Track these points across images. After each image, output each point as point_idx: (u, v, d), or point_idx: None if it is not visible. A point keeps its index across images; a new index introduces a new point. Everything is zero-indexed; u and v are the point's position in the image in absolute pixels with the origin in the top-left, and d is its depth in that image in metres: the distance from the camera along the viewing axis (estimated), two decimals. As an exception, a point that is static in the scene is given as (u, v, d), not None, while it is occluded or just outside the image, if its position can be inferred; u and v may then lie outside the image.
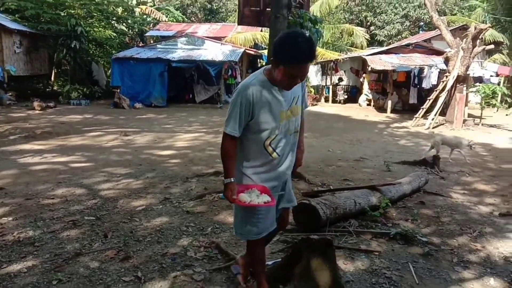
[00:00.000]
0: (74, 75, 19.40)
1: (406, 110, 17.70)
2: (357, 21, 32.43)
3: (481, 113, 14.77)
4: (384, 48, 20.74)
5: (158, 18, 25.66)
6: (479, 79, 16.89)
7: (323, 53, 21.15)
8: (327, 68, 22.04)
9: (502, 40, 21.36)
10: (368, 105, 20.10)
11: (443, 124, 14.04)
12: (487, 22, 22.07)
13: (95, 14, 20.95)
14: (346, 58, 20.51)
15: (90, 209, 4.69)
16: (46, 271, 3.13)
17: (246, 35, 21.28)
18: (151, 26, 26.67)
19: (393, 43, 26.77)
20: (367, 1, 31.35)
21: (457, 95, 13.45)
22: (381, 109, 18.54)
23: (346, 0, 31.09)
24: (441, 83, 14.18)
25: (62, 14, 19.18)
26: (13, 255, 3.42)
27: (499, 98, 18.63)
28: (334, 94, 21.71)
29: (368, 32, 28.22)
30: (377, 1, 30.87)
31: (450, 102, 13.83)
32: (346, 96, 21.77)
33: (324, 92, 22.12)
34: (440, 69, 15.59)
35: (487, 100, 15.43)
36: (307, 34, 2.31)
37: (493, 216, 4.92)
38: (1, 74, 16.18)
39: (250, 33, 21.41)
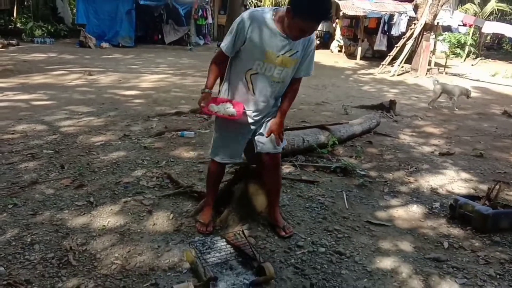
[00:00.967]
0: (38, 11, 18.50)
1: (376, 57, 17.88)
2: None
3: (446, 62, 15.13)
4: (358, -7, 20.45)
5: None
6: (448, 28, 17.12)
7: (297, -4, 20.77)
8: (300, 12, 21.71)
9: (474, -11, 21.40)
10: (339, 51, 20.14)
11: (408, 71, 14.35)
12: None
13: None
14: (319, 2, 20.20)
15: (50, 143, 4.80)
16: (3, 197, 3.30)
17: (218, -26, 20.55)
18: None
19: (368, -12, 26.37)
20: None
21: (424, 43, 13.67)
22: (351, 55, 18.65)
23: None
24: (409, 30, 14.32)
25: None
26: (-31, 184, 3.56)
27: (466, 48, 19.01)
28: (307, 39, 21.56)
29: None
30: None
31: (417, 50, 14.06)
32: (318, 42, 21.63)
33: (297, 37, 21.94)
34: (410, 17, 15.67)
35: (453, 49, 15.71)
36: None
37: (433, 155, 5.33)
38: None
39: (223, -28, 20.68)
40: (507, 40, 24.23)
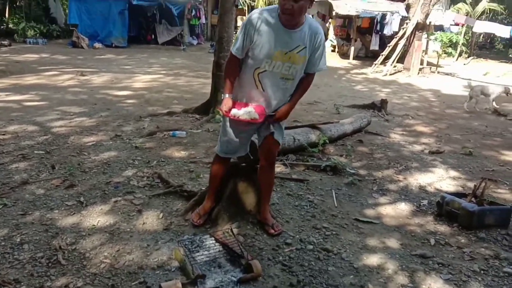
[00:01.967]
0: (30, 12, 18.44)
1: (369, 57, 17.97)
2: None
3: (438, 61, 15.25)
4: (351, -7, 20.53)
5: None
6: (440, 28, 17.24)
7: (290, -4, 20.81)
8: (294, 12, 21.76)
9: (466, -12, 21.56)
10: (332, 51, 20.17)
11: (401, 71, 14.44)
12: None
13: None
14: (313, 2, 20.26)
15: (41, 144, 4.80)
16: (-8, 197, 3.32)
17: (212, -26, 20.55)
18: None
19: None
20: None
21: (415, 43, 13.77)
22: (345, 55, 18.73)
23: None
24: (401, 30, 14.42)
25: None
26: (-40, 184, 3.56)
27: (458, 48, 19.16)
28: (300, 39, 21.61)
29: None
30: None
31: (409, 49, 14.15)
32: (311, 42, 21.73)
33: (290, 37, 21.99)
34: (402, 16, 15.77)
35: (445, 49, 15.83)
36: None
37: (423, 153, 5.38)
38: None
39: (216, -28, 20.69)
40: (499, 39, 24.43)
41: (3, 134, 5.11)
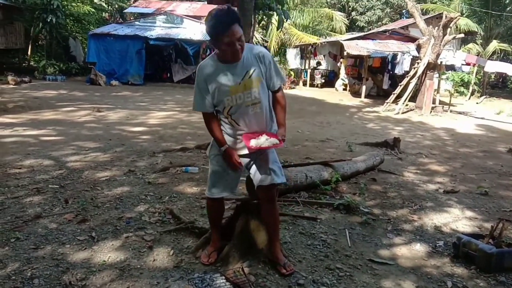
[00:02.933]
0: (51, 50, 19.15)
1: (381, 95, 18.11)
2: (339, 5, 32.56)
3: (450, 100, 15.27)
4: (361, 33, 21.00)
5: (138, -5, 25.35)
6: (451, 67, 17.38)
7: (302, 37, 21.33)
8: (306, 51, 22.24)
9: (476, 30, 21.85)
10: (344, 89, 20.44)
11: (413, 109, 14.46)
12: (464, 12, 22.53)
13: (72, -13, 20.63)
14: (324, 42, 20.73)
15: (55, 178, 4.86)
16: (6, 231, 3.33)
17: (226, 15, 21.20)
18: (131, 2, 26.32)
19: (373, 29, 27.06)
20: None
21: (427, 82, 13.86)
22: (356, 94, 18.91)
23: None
24: (413, 69, 14.56)
25: (38, -14, 18.84)
26: (-25, 217, 3.60)
27: (470, 87, 19.22)
28: (312, 78, 21.96)
29: (349, 17, 28.44)
30: (359, -14, 31.01)
31: (420, 88, 14.24)
32: (323, 80, 22.07)
33: (302, 76, 22.37)
34: (413, 56, 15.97)
35: (456, 88, 15.89)
36: (220, 8, 2.46)
37: (438, 193, 5.29)
38: (-26, 47, 15.91)
39: (231, 13, 21.36)
40: (511, 78, 24.47)
41: (19, 168, 5.19)
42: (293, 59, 22.94)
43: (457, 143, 9.46)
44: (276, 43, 22.37)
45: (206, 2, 25.83)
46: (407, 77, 14.63)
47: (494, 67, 15.40)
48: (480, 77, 21.89)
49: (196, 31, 18.60)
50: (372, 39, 18.95)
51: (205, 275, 2.71)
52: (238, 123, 2.72)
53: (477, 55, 19.76)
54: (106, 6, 24.72)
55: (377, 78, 18.81)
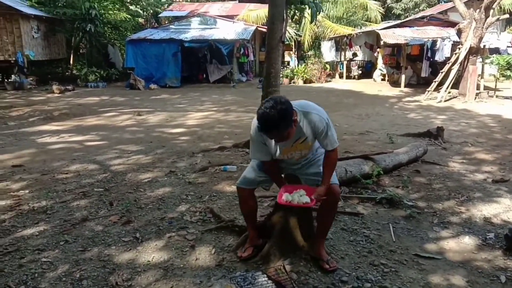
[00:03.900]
0: (91, 58, 19.86)
1: (421, 84, 17.49)
2: (373, -6, 31.71)
3: (495, 85, 14.53)
4: (398, 21, 20.37)
5: (171, -2, 25.83)
6: (496, 50, 16.53)
7: (336, 29, 20.98)
8: (341, 43, 21.86)
9: (522, 9, 20.70)
10: (382, 80, 19.93)
11: (456, 97, 13.90)
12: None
13: (109, -4, 21.28)
14: (359, 33, 20.27)
15: (100, 182, 5.03)
16: (55, 234, 3.49)
17: (258, 12, 21.18)
18: (165, 6, 26.83)
19: (410, 16, 26.20)
20: (384, -26, 30.57)
21: (470, 67, 13.26)
22: (395, 83, 18.38)
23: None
24: (454, 55, 13.98)
25: (77, -3, 19.58)
26: (27, 222, 3.79)
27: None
28: (349, 69, 21.56)
29: (384, 5, 27.66)
30: (394, -27, 30.07)
31: (463, 74, 13.64)
32: (360, 72, 21.62)
33: (338, 68, 22.02)
34: (454, 41, 15.32)
35: (502, 72, 15.09)
36: (269, 106, 2.40)
37: (486, 182, 5.05)
38: (21, 59, 16.74)
39: (263, 10, 21.24)
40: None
41: (66, 173, 5.41)
42: (328, 51, 22.61)
43: (505, 129, 8.98)
44: (310, 36, 22.10)
45: (237, 1, 26.02)
46: (448, 63, 14.05)
47: (543, 47, 14.51)
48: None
49: (229, 31, 18.71)
50: (410, 27, 18.33)
51: (247, 274, 2.72)
52: (283, 170, 2.98)
53: (524, 36, 18.71)
54: (141, 12, 25.36)
55: (417, 66, 18.18)
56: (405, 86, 17.36)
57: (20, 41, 17.06)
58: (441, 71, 14.31)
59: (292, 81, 19.63)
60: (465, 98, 13.37)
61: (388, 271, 2.87)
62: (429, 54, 15.92)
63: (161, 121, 9.98)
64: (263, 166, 2.90)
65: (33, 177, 5.27)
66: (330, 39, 22.02)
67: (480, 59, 14.44)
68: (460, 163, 6.01)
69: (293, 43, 22.23)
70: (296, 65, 21.84)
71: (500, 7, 17.56)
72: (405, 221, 3.78)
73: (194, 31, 18.99)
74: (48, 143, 7.42)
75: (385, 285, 2.69)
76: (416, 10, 29.39)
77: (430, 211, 4.05)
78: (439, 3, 30.26)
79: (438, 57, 15.59)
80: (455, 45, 15.00)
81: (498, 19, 13.93)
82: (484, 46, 14.31)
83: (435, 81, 14.24)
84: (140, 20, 25.88)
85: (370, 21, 23.82)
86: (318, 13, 7.19)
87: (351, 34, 20.09)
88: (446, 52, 15.26)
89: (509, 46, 16.03)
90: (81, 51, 21.74)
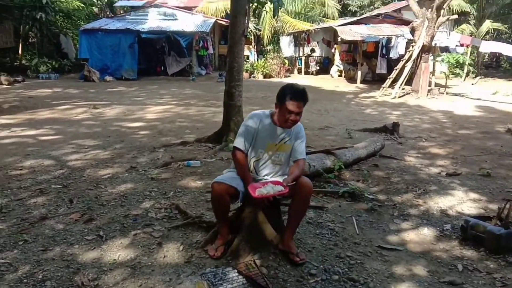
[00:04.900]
0: (42, 48, 18.94)
1: (376, 80, 18.05)
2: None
3: (446, 82, 15.26)
4: (354, 18, 20.87)
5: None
6: (446, 49, 17.34)
7: (295, 24, 21.18)
8: (299, 39, 22.12)
9: (469, 10, 21.78)
10: (339, 76, 20.38)
11: (409, 93, 14.45)
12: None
13: (61, -17, 20.33)
14: (318, 29, 20.59)
15: (57, 178, 4.83)
16: (13, 234, 3.31)
17: (218, 4, 21.01)
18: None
19: (365, 13, 26.89)
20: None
21: (422, 65, 13.83)
22: (352, 79, 18.86)
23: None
24: (408, 53, 14.52)
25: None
26: (-20, 221, 3.57)
27: (465, 68, 19.20)
28: (307, 65, 21.86)
29: (341, 2, 28.19)
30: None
31: (416, 71, 14.21)
32: (318, 67, 21.99)
33: (297, 64, 22.26)
34: (408, 39, 15.90)
35: (451, 70, 15.86)
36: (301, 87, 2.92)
37: (440, 176, 5.31)
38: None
39: (222, 2, 21.09)
40: (505, 58, 24.49)
41: (20, 169, 5.15)
42: (287, 47, 22.79)
43: (456, 125, 9.48)
44: (269, 31, 22.20)
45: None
46: (402, 60, 14.59)
47: (488, 47, 15.38)
48: (474, 58, 21.88)
49: (188, 23, 18.43)
50: (365, 24, 18.85)
51: (217, 270, 2.71)
52: (258, 173, 3.09)
53: (471, 36, 19.72)
54: (95, 0, 24.44)
55: (372, 63, 18.75)
56: (361, 82, 17.86)
57: (-39, 28, 15.98)
58: (395, 68, 14.83)
59: (252, 75, 19.66)
60: (418, 95, 13.94)
61: (354, 263, 2.96)
62: (384, 51, 16.45)
63: (119, 114, 9.70)
64: (238, 154, 3.00)
65: (-17, 174, 4.98)
66: (289, 34, 22.22)
67: (432, 57, 15.08)
68: (416, 157, 6.28)
69: (252, 37, 22.24)
70: (256, 60, 21.88)
71: (450, 8, 18.38)
72: (367, 214, 3.91)
73: (151, 22, 18.56)
74: (-2, 137, 7.03)
75: (352, 276, 2.77)
76: (371, 7, 30.18)
77: (390, 203, 4.21)
78: (393, 1, 31.25)
79: (393, 54, 16.14)
80: (408, 43, 15.57)
81: (448, 19, 14.60)
82: (435, 44, 14.95)
83: (389, 78, 14.74)
84: (94, 9, 24.94)
85: (327, 17, 24.23)
86: (280, 7, 7.23)
87: (309, 30, 20.37)
88: (400, 49, 15.82)
89: (457, 45, 16.84)
90: (30, 40, 20.65)
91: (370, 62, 18.96)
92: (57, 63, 18.36)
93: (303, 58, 21.93)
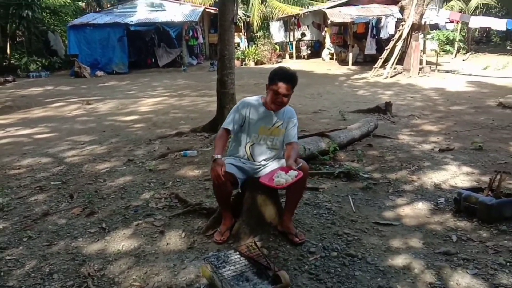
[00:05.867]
0: (30, 46, 18.79)
1: (368, 61, 18.07)
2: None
3: (437, 60, 15.30)
4: (343, 0, 20.77)
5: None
6: (436, 26, 17.33)
7: (284, 9, 21.08)
8: (289, 23, 22.03)
9: (457, -14, 21.72)
10: (331, 59, 20.36)
11: (401, 72, 14.50)
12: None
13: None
14: (307, 12, 20.51)
15: (56, 175, 4.88)
16: (17, 231, 3.37)
17: (205, -7, 20.87)
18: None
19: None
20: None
21: (413, 43, 13.86)
22: (343, 62, 18.87)
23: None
24: (398, 32, 14.53)
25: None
26: (-17, 221, 3.62)
27: (455, 44, 19.24)
28: (298, 49, 21.81)
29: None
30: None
31: (407, 50, 14.24)
32: (309, 51, 21.95)
33: (288, 49, 22.21)
34: (398, 19, 15.89)
35: (442, 47, 15.90)
36: (289, 69, 3.06)
37: (434, 152, 5.40)
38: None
39: (210, -9, 21.01)
40: (495, 32, 24.53)
41: (18, 168, 5.20)
42: (277, 32, 22.71)
43: (448, 101, 9.56)
44: (258, 17, 22.08)
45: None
46: (393, 40, 14.60)
47: (478, 22, 15.39)
48: (464, 34, 21.90)
49: (176, 13, 18.30)
50: (355, 5, 18.80)
51: (219, 253, 2.78)
52: (254, 158, 3.14)
53: (460, 12, 19.70)
54: (81, -5, 24.17)
55: (363, 44, 18.71)
56: (352, 64, 17.88)
57: None
58: (386, 48, 14.84)
59: (244, 63, 19.62)
60: (409, 73, 13.99)
61: (351, 240, 3.05)
62: (374, 32, 16.44)
63: (112, 109, 9.71)
64: (221, 131, 3.09)
65: (-18, 174, 5.01)
66: (279, 19, 22.13)
67: (422, 35, 15.10)
68: (409, 135, 6.36)
69: (242, 24, 22.12)
70: (246, 47, 21.81)
71: (438, -15, 18.35)
72: (362, 192, 4.00)
73: (139, 14, 18.42)
74: (-7, 138, 7.04)
75: (350, 252, 2.86)
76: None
77: (385, 181, 4.30)
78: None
79: (383, 34, 16.16)
80: (398, 22, 15.56)
81: (436, -4, 14.60)
82: (425, 22, 14.95)
83: (380, 58, 14.77)
84: (81, 4, 24.66)
85: (316, 0, 24.11)
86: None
87: (299, 14, 20.28)
88: (390, 29, 15.83)
89: (447, 22, 16.84)
90: (18, 39, 20.44)
91: (361, 44, 18.93)
92: (46, 60, 18.24)
93: (294, 42, 21.88)
